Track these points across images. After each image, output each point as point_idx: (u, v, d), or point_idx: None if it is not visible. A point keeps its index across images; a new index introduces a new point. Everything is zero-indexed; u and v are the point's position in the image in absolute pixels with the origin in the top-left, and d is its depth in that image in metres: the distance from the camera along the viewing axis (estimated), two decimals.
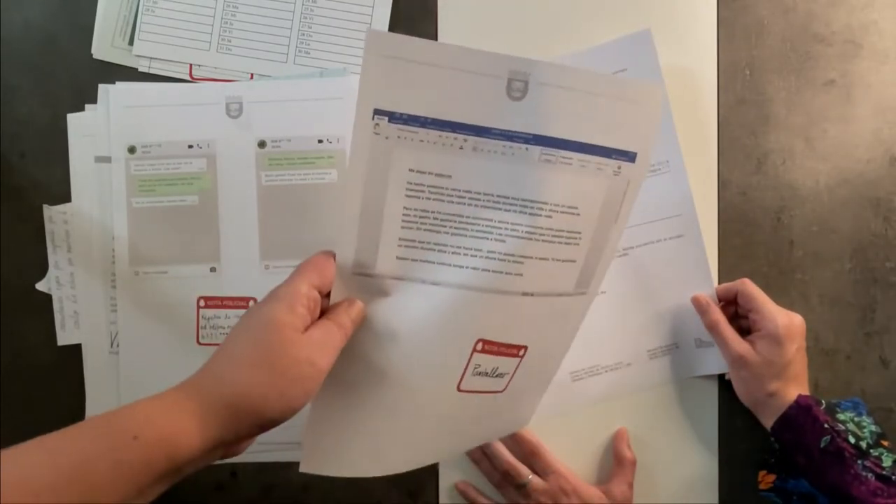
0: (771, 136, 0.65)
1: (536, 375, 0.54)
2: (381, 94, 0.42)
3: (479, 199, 0.45)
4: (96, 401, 0.64)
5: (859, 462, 0.54)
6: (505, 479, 0.62)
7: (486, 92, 0.42)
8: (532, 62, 0.42)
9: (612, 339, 0.64)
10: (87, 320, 0.64)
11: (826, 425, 0.55)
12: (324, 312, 0.44)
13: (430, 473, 0.65)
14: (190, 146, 0.64)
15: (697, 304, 0.62)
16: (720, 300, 0.63)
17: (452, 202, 0.44)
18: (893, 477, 0.53)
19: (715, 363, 0.63)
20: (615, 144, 0.45)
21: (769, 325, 0.58)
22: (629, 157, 0.46)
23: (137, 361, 0.64)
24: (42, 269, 0.65)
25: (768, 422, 0.59)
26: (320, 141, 0.63)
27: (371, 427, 0.49)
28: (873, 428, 0.56)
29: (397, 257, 0.45)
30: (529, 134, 0.43)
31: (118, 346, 0.64)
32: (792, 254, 0.65)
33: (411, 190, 0.44)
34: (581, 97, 0.44)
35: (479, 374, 0.49)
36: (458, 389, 0.49)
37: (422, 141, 0.43)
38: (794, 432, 0.57)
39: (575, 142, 0.44)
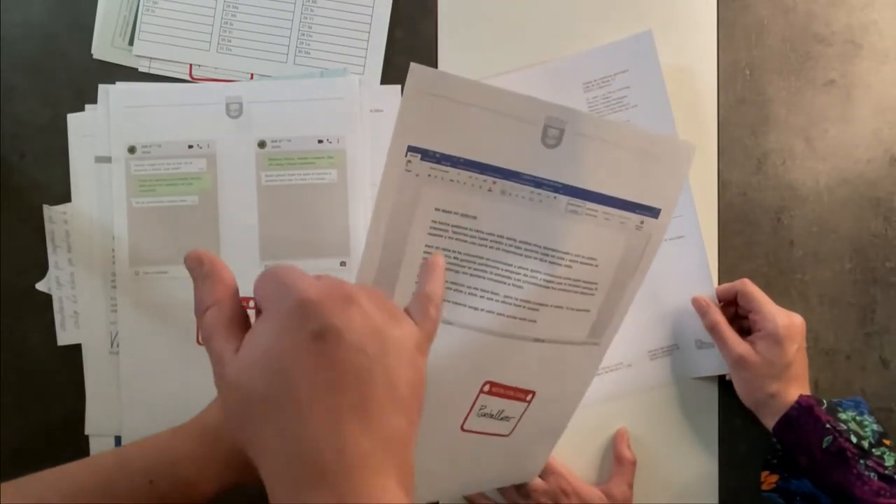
0: (771, 136, 0.65)
1: (546, 424, 0.53)
2: (418, 132, 0.42)
3: (501, 243, 0.45)
4: (96, 401, 0.64)
5: (861, 462, 0.54)
6: None
7: (521, 136, 0.43)
8: (571, 111, 0.42)
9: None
10: (87, 320, 0.64)
11: (828, 425, 0.55)
12: None
13: None
14: (190, 146, 0.64)
15: (697, 305, 0.62)
16: (720, 300, 0.62)
17: (474, 243, 0.44)
18: None
19: (715, 364, 0.63)
20: (641, 200, 0.45)
21: (769, 325, 0.58)
22: (653, 212, 0.46)
23: (137, 361, 0.64)
24: (42, 269, 0.64)
25: (769, 422, 0.58)
26: (320, 141, 0.63)
27: None
28: (875, 427, 0.56)
29: (413, 294, 0.45)
30: (559, 183, 0.44)
31: (118, 346, 0.64)
32: (792, 254, 0.65)
33: (435, 228, 0.44)
34: (613, 150, 0.44)
35: (484, 415, 0.49)
36: (462, 429, 0.49)
37: (452, 180, 0.43)
38: (796, 433, 0.56)
39: (603, 194, 0.44)
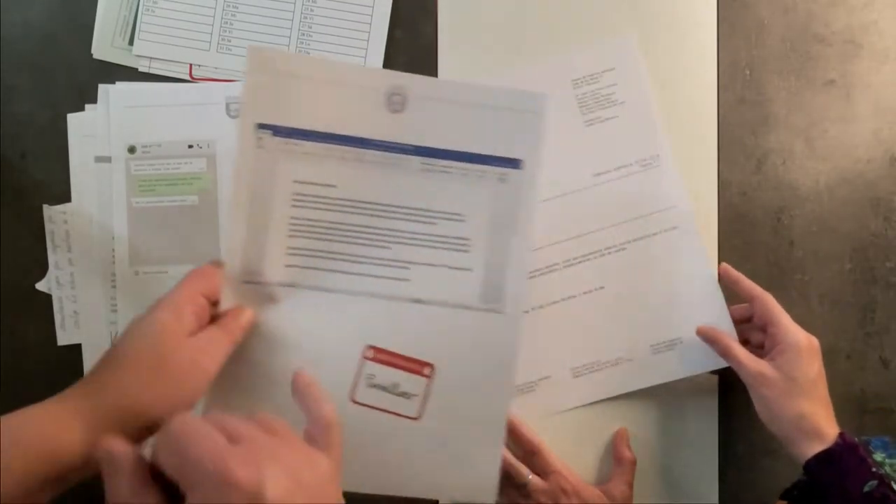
0: (771, 136, 0.65)
1: (473, 414, 0.50)
2: (264, 110, 0.44)
3: (364, 208, 0.47)
4: None
5: None
6: (505, 479, 0.62)
7: (366, 105, 0.45)
8: (407, 77, 0.45)
9: (612, 335, 0.63)
10: (87, 320, 0.64)
11: (873, 469, 0.52)
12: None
13: None
14: (190, 146, 0.64)
15: (704, 335, 0.60)
16: (736, 320, 0.61)
17: (338, 211, 0.47)
18: None
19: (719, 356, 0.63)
20: (496, 152, 0.47)
21: (790, 337, 0.56)
22: (514, 164, 0.48)
23: None
24: (42, 269, 0.64)
25: (800, 450, 0.54)
26: None
27: None
28: None
29: (286, 265, 0.47)
30: (409, 145, 0.46)
31: None
32: (792, 254, 0.65)
33: (297, 200, 0.46)
34: (460, 108, 0.46)
35: (375, 385, 0.49)
36: (353, 401, 0.49)
37: (306, 153, 0.45)
38: (836, 471, 0.53)
39: (454, 151, 0.47)
